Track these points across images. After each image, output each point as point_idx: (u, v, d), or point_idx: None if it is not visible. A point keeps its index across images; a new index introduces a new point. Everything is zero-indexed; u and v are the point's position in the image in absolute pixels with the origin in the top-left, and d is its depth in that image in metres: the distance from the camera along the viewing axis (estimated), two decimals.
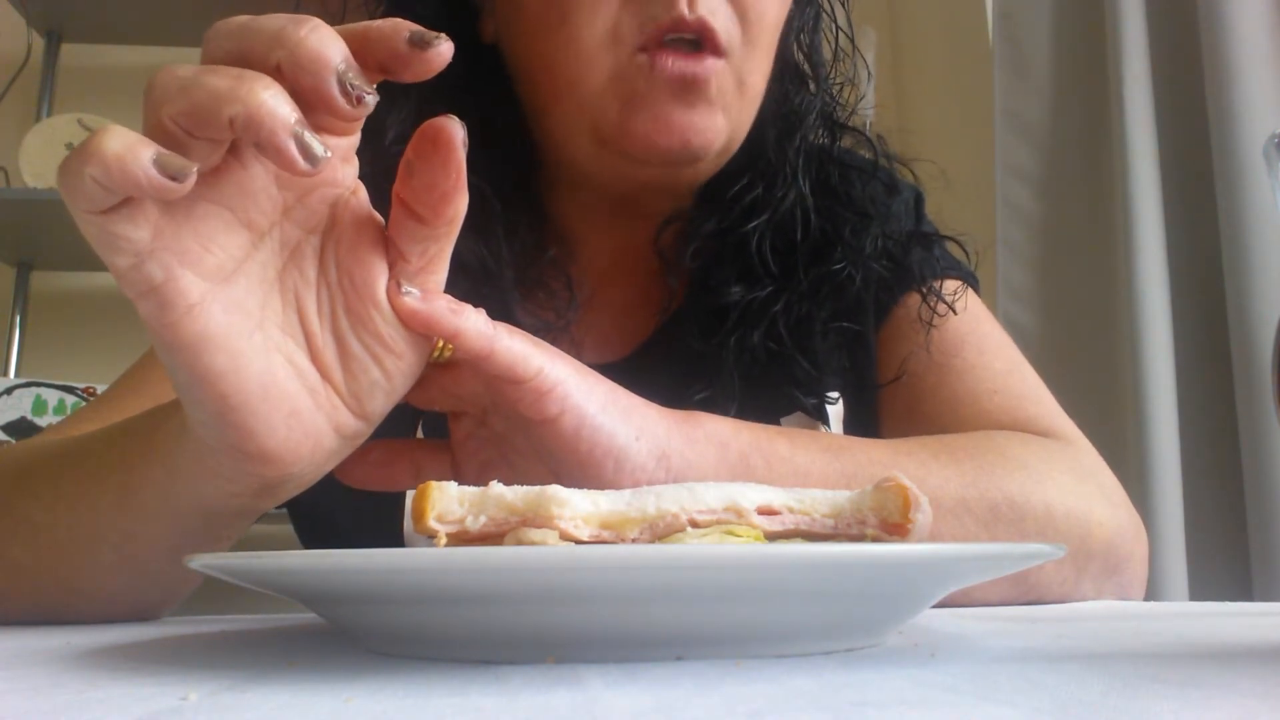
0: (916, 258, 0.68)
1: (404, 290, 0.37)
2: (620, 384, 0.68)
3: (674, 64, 0.56)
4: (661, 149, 0.57)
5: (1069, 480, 0.56)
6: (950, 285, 0.68)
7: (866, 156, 0.71)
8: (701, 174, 0.63)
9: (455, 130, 0.34)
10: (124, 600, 0.47)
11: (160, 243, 0.32)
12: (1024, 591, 0.54)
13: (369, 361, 0.37)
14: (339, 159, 0.35)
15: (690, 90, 0.56)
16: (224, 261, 0.34)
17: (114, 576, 0.46)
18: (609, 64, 0.57)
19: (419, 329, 0.37)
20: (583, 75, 0.57)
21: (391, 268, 0.37)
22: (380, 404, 0.38)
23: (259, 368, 0.35)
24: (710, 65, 0.56)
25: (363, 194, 0.37)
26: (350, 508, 0.63)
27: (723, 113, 0.58)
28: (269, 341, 0.35)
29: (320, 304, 0.37)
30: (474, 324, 0.38)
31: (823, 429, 0.65)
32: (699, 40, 0.56)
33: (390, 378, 0.38)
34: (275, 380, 0.35)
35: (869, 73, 0.75)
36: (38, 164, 1.73)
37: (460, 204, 0.36)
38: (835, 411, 0.66)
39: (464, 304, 0.38)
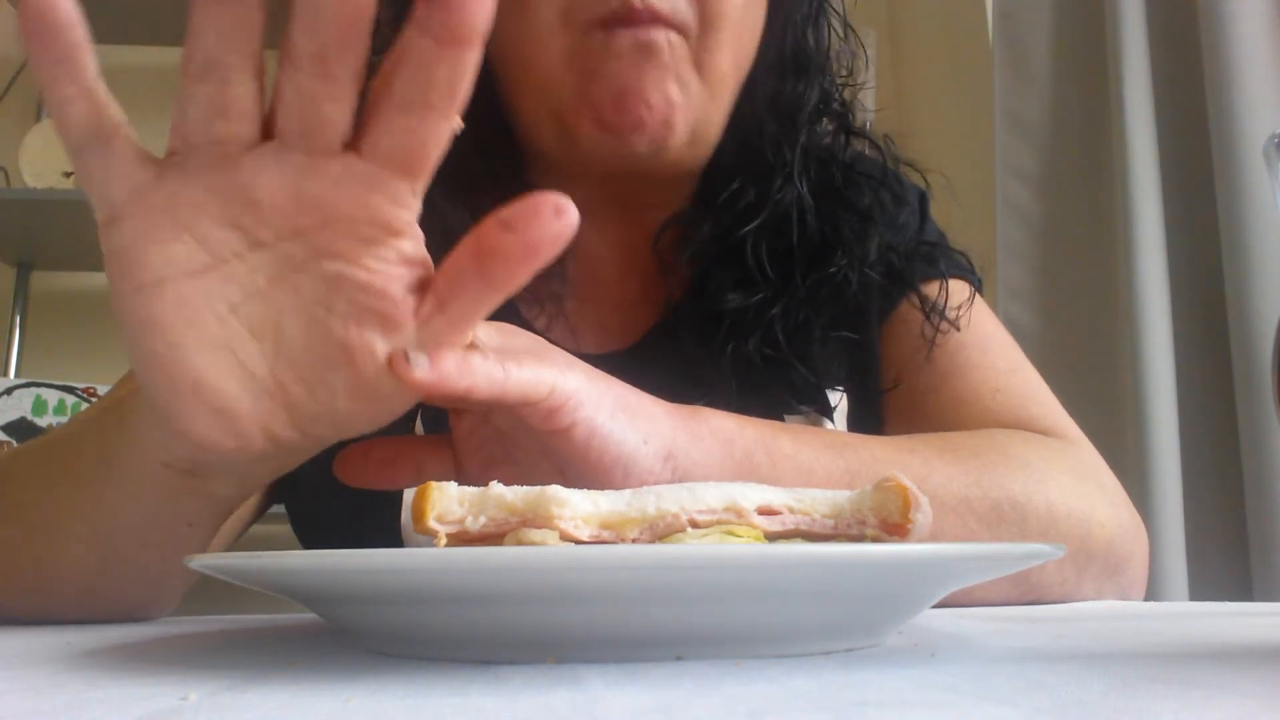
0: (921, 259, 0.68)
1: (413, 362, 0.34)
2: (622, 376, 0.68)
3: (627, 34, 0.56)
4: (616, 123, 0.57)
5: (1071, 480, 0.56)
6: (955, 286, 0.68)
7: (873, 159, 0.71)
8: (674, 154, 0.62)
9: (571, 215, 0.33)
10: (102, 592, 0.47)
11: (133, 209, 0.32)
12: (1024, 592, 0.54)
13: (337, 396, 0.35)
14: (390, 201, 0.33)
15: (643, 56, 0.56)
16: (195, 253, 0.33)
17: (86, 558, 0.45)
18: (563, 44, 0.57)
19: (429, 398, 0.36)
20: (539, 56, 0.58)
21: (416, 311, 0.34)
22: (329, 434, 0.36)
23: (196, 361, 0.33)
24: (662, 34, 0.57)
25: (407, 244, 0.34)
26: (349, 507, 0.63)
27: (675, 83, 0.58)
28: (224, 339, 0.34)
29: (309, 332, 0.34)
30: (485, 374, 0.35)
31: (828, 424, 0.65)
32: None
33: (353, 418, 0.36)
34: (209, 378, 0.34)
35: (866, 61, 0.75)
36: (38, 164, 1.73)
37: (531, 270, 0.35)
38: (840, 408, 0.66)
39: (468, 352, 0.36)
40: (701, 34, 0.58)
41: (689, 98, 0.59)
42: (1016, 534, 0.52)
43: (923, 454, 0.52)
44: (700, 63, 0.59)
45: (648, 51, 0.56)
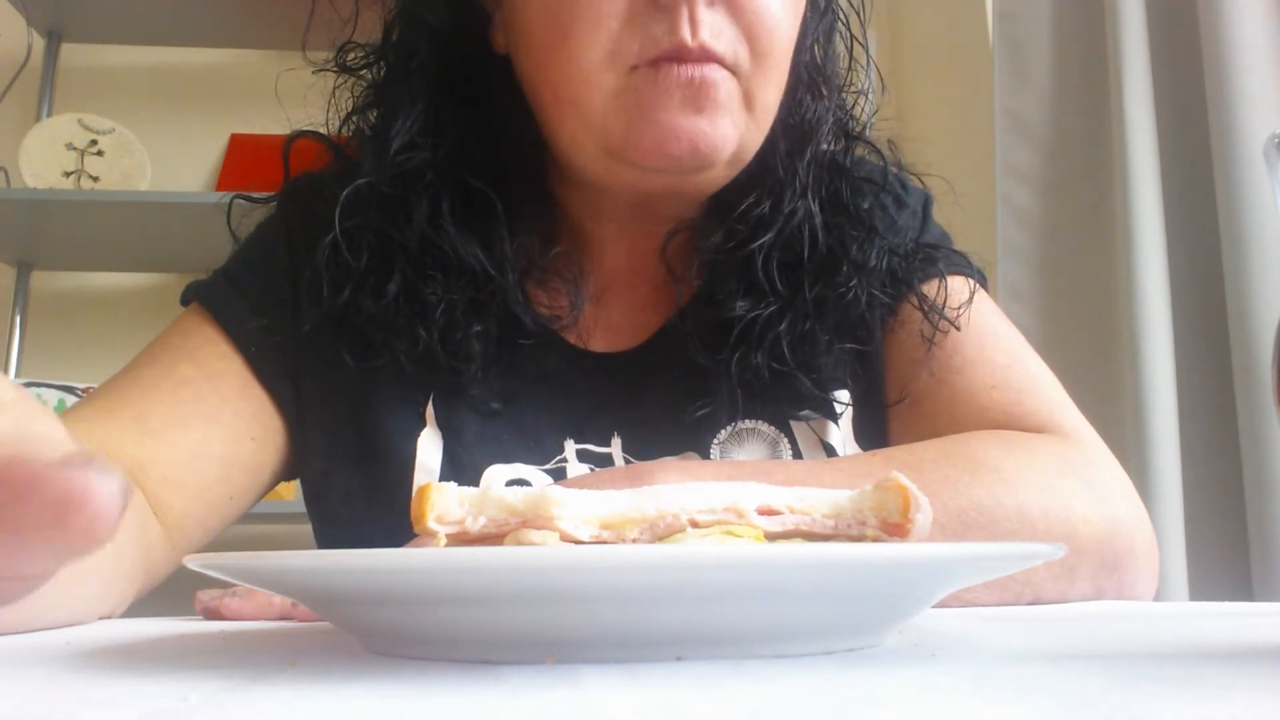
0: (921, 259, 0.68)
1: None
2: (629, 374, 0.68)
3: (679, 71, 0.55)
4: (671, 156, 0.57)
5: (1047, 480, 0.56)
6: (957, 284, 0.68)
7: (876, 164, 0.71)
8: (713, 182, 0.62)
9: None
10: None
11: None
12: (1018, 594, 0.54)
13: None
14: None
15: (697, 95, 0.56)
16: None
17: None
18: (610, 82, 0.56)
19: None
20: (585, 95, 0.57)
21: None
22: None
23: None
24: (717, 71, 0.56)
25: None
26: (359, 488, 0.64)
27: (729, 119, 0.58)
28: None
29: None
30: None
31: (832, 426, 0.65)
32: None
33: None
34: None
35: (883, 84, 0.75)
36: (38, 164, 1.73)
37: None
38: (844, 415, 0.66)
39: None
40: (753, 72, 0.58)
41: (739, 132, 0.59)
42: (986, 538, 0.52)
43: (878, 477, 0.53)
44: (750, 98, 0.59)
45: (702, 88, 0.56)
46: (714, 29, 0.56)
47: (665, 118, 0.56)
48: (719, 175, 0.62)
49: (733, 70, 0.57)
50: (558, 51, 0.57)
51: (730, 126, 0.58)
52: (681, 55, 0.55)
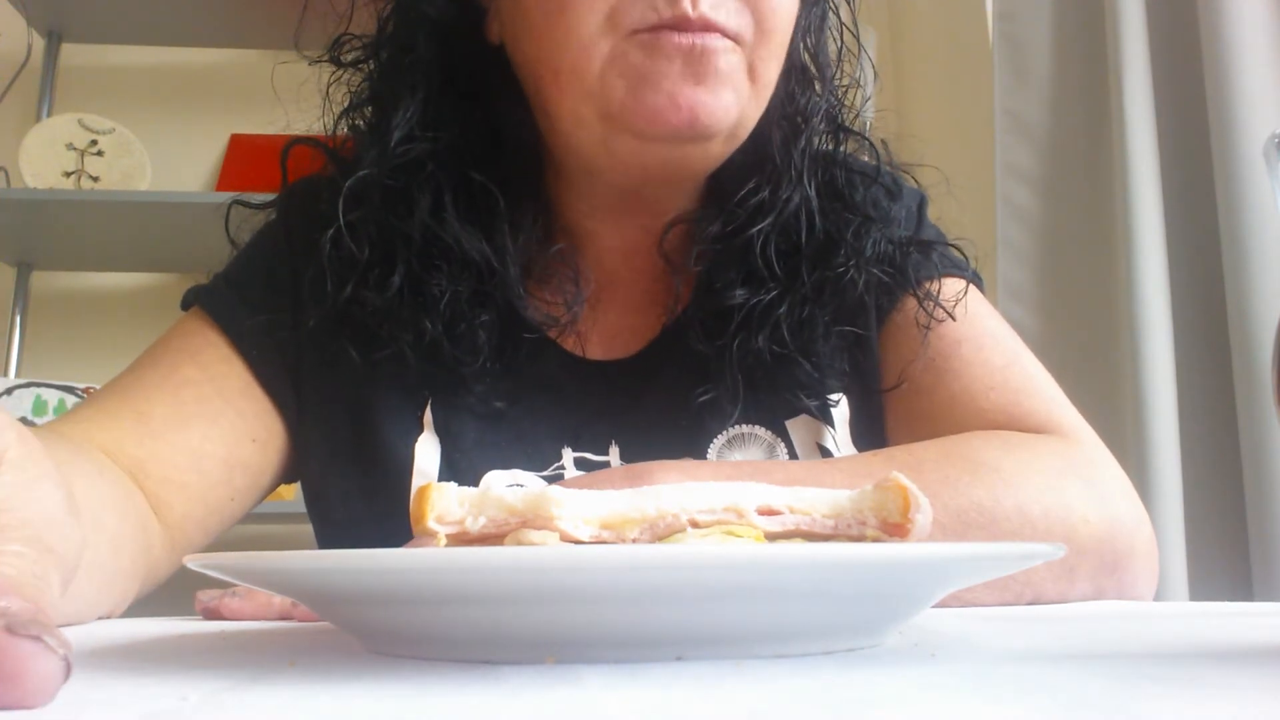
0: (915, 260, 0.68)
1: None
2: (627, 382, 0.68)
3: (679, 38, 0.55)
4: (671, 125, 0.57)
5: (1047, 480, 0.56)
6: (952, 284, 0.68)
7: (870, 162, 0.71)
8: (711, 157, 0.62)
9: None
10: None
11: None
12: (1018, 594, 0.54)
13: None
14: None
15: (698, 64, 0.56)
16: None
17: None
18: (607, 47, 0.56)
19: None
20: (583, 63, 0.57)
21: None
22: None
23: None
24: (718, 40, 0.56)
25: None
26: (357, 488, 0.64)
27: (732, 91, 0.58)
28: None
29: None
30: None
31: (828, 431, 0.65)
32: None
33: None
34: None
35: (875, 74, 0.76)
36: (38, 164, 1.73)
37: None
38: (841, 413, 0.66)
39: None
40: (756, 44, 0.58)
41: (741, 103, 0.59)
42: (987, 538, 0.52)
43: (877, 477, 0.53)
44: (754, 72, 0.59)
45: (703, 56, 0.56)
46: (714, 0, 0.56)
47: (666, 85, 0.56)
48: (717, 150, 0.61)
49: (735, 40, 0.57)
50: (557, 23, 0.57)
51: (732, 97, 0.58)
52: (681, 25, 0.55)
